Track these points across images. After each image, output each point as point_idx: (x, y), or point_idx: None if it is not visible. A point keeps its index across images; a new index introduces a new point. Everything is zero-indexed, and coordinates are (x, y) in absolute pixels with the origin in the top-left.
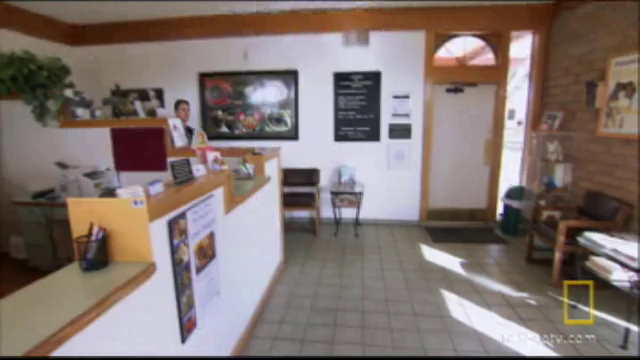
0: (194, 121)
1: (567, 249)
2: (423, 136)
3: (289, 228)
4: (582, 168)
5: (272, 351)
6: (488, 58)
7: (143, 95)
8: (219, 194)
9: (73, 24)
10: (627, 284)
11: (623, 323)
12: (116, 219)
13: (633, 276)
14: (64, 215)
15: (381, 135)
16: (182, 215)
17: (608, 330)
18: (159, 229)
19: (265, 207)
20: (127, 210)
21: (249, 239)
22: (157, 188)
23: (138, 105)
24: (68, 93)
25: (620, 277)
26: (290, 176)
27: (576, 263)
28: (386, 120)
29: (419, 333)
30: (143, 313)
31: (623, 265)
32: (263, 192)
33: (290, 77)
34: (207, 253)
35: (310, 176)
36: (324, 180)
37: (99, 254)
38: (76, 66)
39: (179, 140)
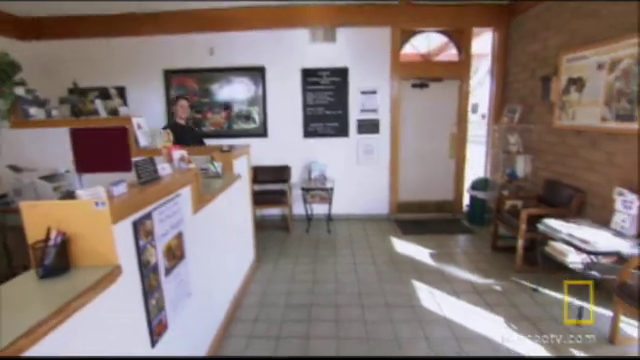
0: (160, 119)
1: (528, 236)
2: (391, 131)
3: (261, 226)
4: (540, 159)
5: (247, 349)
6: (452, 54)
7: (104, 93)
8: (186, 193)
9: (24, 17)
10: (580, 266)
11: (577, 302)
12: (77, 222)
13: (586, 258)
14: (18, 221)
15: (350, 130)
16: (148, 216)
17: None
18: (124, 231)
19: (235, 205)
20: (89, 212)
21: (220, 238)
22: (120, 189)
23: (99, 104)
24: (19, 91)
25: (574, 259)
26: (260, 174)
27: (536, 249)
28: (354, 116)
29: (392, 324)
30: (109, 319)
31: (577, 248)
32: (233, 190)
33: (257, 73)
34: (176, 254)
35: (281, 173)
36: (295, 177)
37: (58, 259)
38: (28, 62)
39: (144, 140)
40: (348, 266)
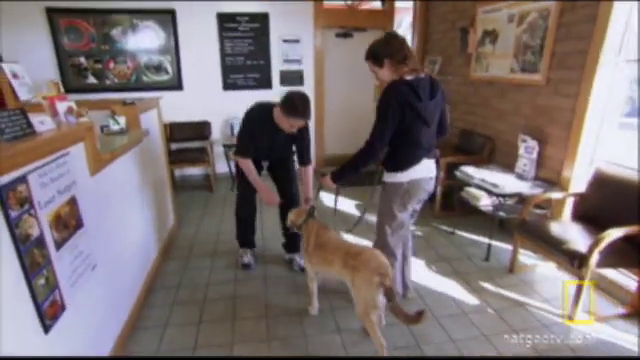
0: (48, 70)
1: (447, 183)
2: (315, 82)
3: (182, 187)
4: (457, 109)
5: (171, 317)
6: (376, 4)
7: None
8: (79, 151)
9: None
10: (490, 208)
11: (487, 241)
12: None
13: (495, 200)
14: None
15: (273, 82)
16: (21, 179)
17: (476, 249)
18: None
19: (147, 165)
20: None
21: (129, 202)
22: None
23: None
24: None
25: (486, 202)
26: (177, 131)
27: (454, 195)
28: (277, 66)
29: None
30: None
31: (488, 192)
32: (142, 148)
33: (167, 17)
34: (69, 223)
35: (200, 129)
36: (216, 133)
37: None
38: None
39: (24, 92)
40: (275, 222)
